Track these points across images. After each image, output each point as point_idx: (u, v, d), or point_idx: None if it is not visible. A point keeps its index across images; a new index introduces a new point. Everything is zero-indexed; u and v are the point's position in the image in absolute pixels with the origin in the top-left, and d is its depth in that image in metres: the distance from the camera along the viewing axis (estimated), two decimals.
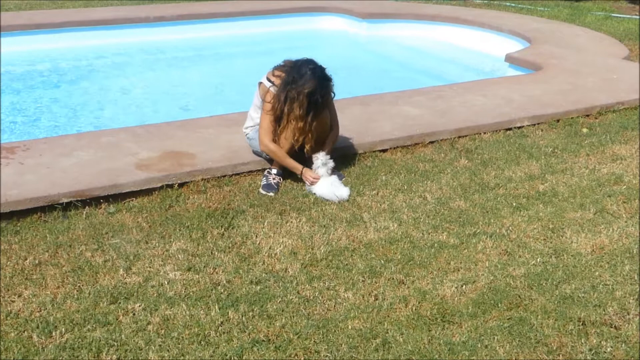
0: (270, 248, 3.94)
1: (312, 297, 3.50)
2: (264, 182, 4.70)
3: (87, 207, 4.31)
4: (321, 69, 4.54)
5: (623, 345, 3.20)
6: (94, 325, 3.22)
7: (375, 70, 9.60)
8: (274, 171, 4.76)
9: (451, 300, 3.50)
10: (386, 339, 3.18)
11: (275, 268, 3.75)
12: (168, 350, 3.08)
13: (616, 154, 5.51)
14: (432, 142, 5.58)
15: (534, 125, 6.08)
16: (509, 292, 3.58)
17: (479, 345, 3.16)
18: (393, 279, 3.67)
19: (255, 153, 4.92)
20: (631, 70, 7.79)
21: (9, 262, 3.71)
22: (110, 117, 7.13)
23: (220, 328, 3.23)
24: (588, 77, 7.41)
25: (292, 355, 3.07)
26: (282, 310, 3.38)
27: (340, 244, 4.01)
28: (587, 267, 3.84)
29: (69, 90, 8.06)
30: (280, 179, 4.75)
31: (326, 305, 3.44)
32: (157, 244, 3.95)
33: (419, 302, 3.46)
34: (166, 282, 3.58)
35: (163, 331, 3.20)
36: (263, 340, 3.15)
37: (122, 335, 3.16)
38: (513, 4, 12.21)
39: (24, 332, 3.17)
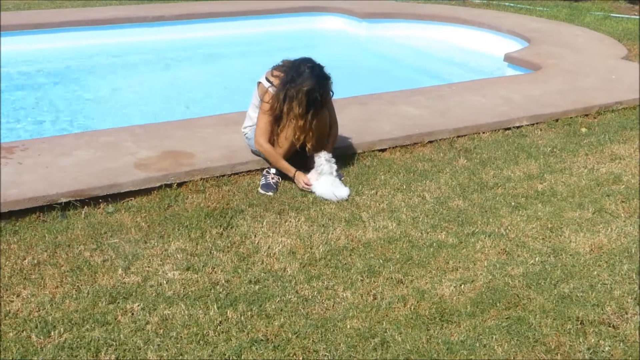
0: (269, 247, 3.94)
1: (310, 297, 3.50)
2: (262, 181, 4.71)
3: (85, 206, 4.31)
4: (320, 67, 4.55)
5: (621, 344, 3.20)
6: (93, 325, 3.22)
7: (375, 70, 9.60)
8: (273, 171, 4.76)
9: (450, 299, 3.51)
10: (385, 339, 3.19)
11: (274, 267, 3.75)
12: (167, 349, 3.08)
13: (615, 153, 5.51)
14: (431, 142, 5.58)
15: (533, 125, 6.08)
16: (508, 291, 3.58)
17: (478, 345, 3.17)
18: (392, 278, 3.68)
19: (254, 152, 4.92)
20: (630, 70, 7.79)
21: (7, 262, 3.71)
22: (109, 117, 7.13)
23: (218, 327, 3.23)
24: (587, 77, 7.42)
25: (291, 355, 3.08)
26: (281, 310, 3.38)
27: (339, 244, 4.01)
28: (585, 266, 3.85)
29: (68, 90, 8.05)
30: (279, 179, 4.75)
31: (325, 305, 3.44)
32: (155, 244, 3.95)
33: (417, 302, 3.47)
34: (165, 282, 3.58)
35: (162, 331, 3.20)
36: (262, 340, 3.15)
37: (121, 335, 3.16)
38: (512, 4, 12.21)
39: (22, 332, 3.17)
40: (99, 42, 9.63)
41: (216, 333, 3.20)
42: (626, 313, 3.43)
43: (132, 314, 3.32)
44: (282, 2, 11.33)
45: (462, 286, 3.62)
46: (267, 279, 3.64)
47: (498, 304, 3.47)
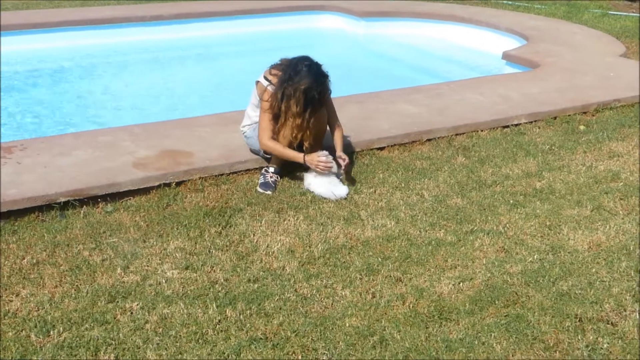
0: (267, 246, 3.94)
1: (309, 295, 3.50)
2: (261, 180, 4.71)
3: (84, 206, 4.31)
4: (317, 66, 4.55)
5: (619, 341, 3.21)
6: (92, 324, 3.23)
7: (373, 69, 9.60)
8: (272, 169, 4.76)
9: (448, 297, 3.51)
10: (383, 337, 3.19)
11: (272, 266, 3.76)
12: (166, 348, 3.08)
13: (613, 151, 5.52)
14: (429, 140, 5.58)
15: (531, 122, 6.09)
16: (506, 289, 3.59)
17: (476, 342, 3.17)
18: (390, 276, 3.68)
19: (253, 151, 4.92)
20: (628, 67, 7.80)
21: (6, 262, 3.71)
22: (107, 116, 7.13)
23: (217, 326, 3.24)
24: (585, 74, 7.42)
25: (290, 353, 3.08)
26: (280, 308, 3.38)
27: (338, 242, 4.02)
28: (584, 264, 3.85)
29: (66, 90, 8.05)
30: (277, 177, 4.76)
31: (324, 303, 3.44)
32: (154, 243, 3.95)
33: (416, 300, 3.47)
34: (164, 281, 3.58)
35: (161, 330, 3.21)
36: (261, 338, 3.16)
37: (120, 334, 3.16)
38: (510, 2, 12.22)
39: (22, 331, 3.17)
40: (97, 42, 9.61)
41: (215, 332, 3.20)
42: (624, 310, 3.44)
43: (131, 313, 3.33)
44: (281, 1, 11.32)
45: (461, 284, 3.63)
46: (266, 278, 3.64)
47: (497, 302, 3.47)
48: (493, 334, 3.23)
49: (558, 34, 9.49)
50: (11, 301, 3.39)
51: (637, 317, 3.38)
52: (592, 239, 4.12)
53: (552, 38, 9.19)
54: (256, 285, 3.57)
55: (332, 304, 3.44)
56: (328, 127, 4.88)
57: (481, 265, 3.82)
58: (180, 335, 3.17)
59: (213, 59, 10.03)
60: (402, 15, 10.91)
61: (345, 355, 3.08)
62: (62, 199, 4.26)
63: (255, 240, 4.01)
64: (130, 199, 4.44)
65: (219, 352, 3.07)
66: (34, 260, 3.73)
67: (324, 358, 3.06)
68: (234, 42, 10.44)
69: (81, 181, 4.41)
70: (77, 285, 3.53)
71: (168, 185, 4.57)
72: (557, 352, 3.14)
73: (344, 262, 3.82)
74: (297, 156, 4.68)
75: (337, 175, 4.76)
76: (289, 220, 4.26)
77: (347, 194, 4.58)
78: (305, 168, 4.74)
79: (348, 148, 5.24)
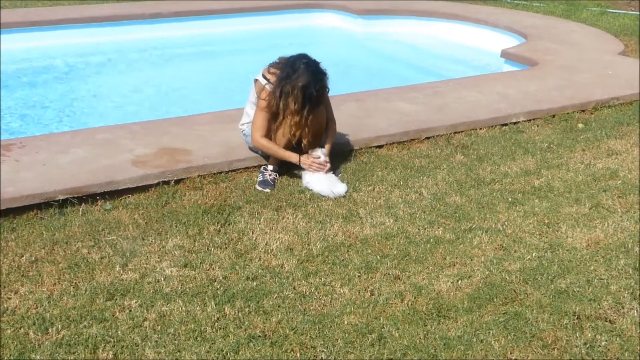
0: (266, 244, 3.94)
1: (308, 293, 3.51)
2: (260, 178, 4.71)
3: (83, 204, 4.31)
4: (315, 63, 4.55)
5: (618, 339, 3.21)
6: (91, 322, 3.23)
7: (371, 67, 9.60)
8: (270, 167, 4.76)
9: (447, 295, 3.52)
10: (382, 334, 3.19)
11: (271, 264, 3.76)
12: (164, 346, 3.09)
13: (611, 149, 5.52)
14: (427, 138, 5.59)
15: (530, 120, 6.09)
16: (505, 286, 3.59)
17: (475, 340, 3.17)
18: (389, 274, 3.68)
19: (252, 149, 4.92)
20: (627, 65, 7.80)
21: (5, 259, 3.71)
22: (106, 114, 7.13)
23: (216, 324, 3.24)
24: (584, 72, 7.43)
25: (288, 351, 3.08)
26: (278, 306, 3.38)
27: (337, 240, 4.02)
28: (582, 261, 3.86)
29: (65, 87, 8.05)
30: (276, 175, 4.76)
31: (322, 301, 3.45)
32: (153, 241, 3.95)
33: (414, 297, 3.48)
34: (162, 279, 3.59)
35: (159, 327, 3.21)
36: (259, 336, 3.16)
37: (119, 332, 3.17)
38: (509, 0, 12.21)
39: (20, 329, 3.17)
40: (96, 40, 9.60)
41: (214, 329, 3.20)
42: (623, 308, 3.44)
43: (130, 310, 3.33)
44: None
45: (459, 282, 3.63)
46: (265, 276, 3.64)
47: (495, 300, 3.48)
48: (491, 332, 3.23)
49: (557, 32, 9.48)
50: (10, 299, 3.39)
51: (635, 314, 3.39)
52: (591, 236, 4.13)
53: (550, 36, 9.19)
54: (255, 283, 3.58)
55: (330, 301, 3.45)
56: None
57: (480, 263, 3.82)
58: (178, 333, 3.17)
59: (212, 57, 10.02)
60: (400, 13, 10.91)
61: (343, 352, 3.08)
62: (61, 197, 4.26)
63: (254, 238, 4.01)
64: (129, 197, 4.44)
65: (218, 350, 3.07)
66: (33, 258, 3.73)
67: (323, 356, 3.06)
68: (232, 40, 10.44)
69: (80, 179, 4.41)
70: (75, 283, 3.53)
71: (167, 183, 4.57)
72: (556, 349, 3.15)
73: (343, 260, 3.82)
74: (292, 156, 4.69)
75: (336, 173, 4.77)
76: (288, 218, 4.26)
77: (345, 192, 4.58)
78: (303, 167, 4.74)
79: (346, 146, 5.25)
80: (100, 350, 3.05)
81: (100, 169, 4.57)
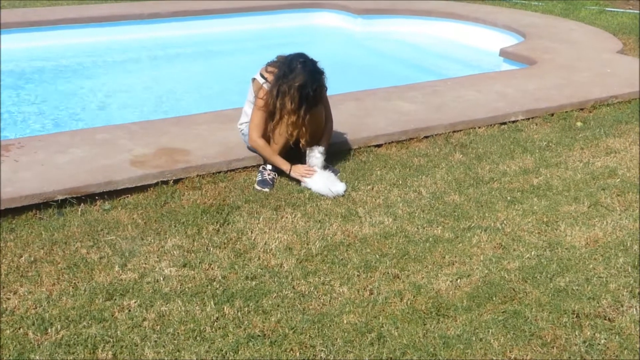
0: (265, 243, 3.94)
1: (307, 292, 3.51)
2: (259, 177, 4.71)
3: (82, 204, 4.31)
4: (312, 62, 4.55)
5: (617, 337, 3.21)
6: (90, 322, 3.23)
7: (370, 66, 9.59)
8: (269, 167, 4.76)
9: (446, 294, 3.52)
10: (381, 333, 3.19)
11: (270, 263, 3.76)
12: (164, 346, 3.09)
13: (610, 147, 5.52)
14: (426, 137, 5.59)
15: (529, 119, 6.09)
16: (504, 285, 3.59)
17: (474, 339, 3.18)
18: (388, 273, 3.68)
19: (250, 149, 4.92)
20: (625, 64, 7.81)
21: (4, 260, 3.71)
22: (104, 114, 7.13)
23: (215, 323, 3.24)
24: (582, 71, 7.43)
25: (288, 350, 3.08)
26: (278, 306, 3.38)
27: (336, 239, 4.02)
28: (581, 260, 3.86)
29: (64, 87, 8.04)
30: (275, 175, 4.75)
31: (321, 300, 3.45)
32: (152, 241, 3.95)
33: (414, 296, 3.48)
34: (162, 279, 3.59)
35: (159, 327, 3.21)
36: (258, 336, 3.16)
37: (118, 332, 3.17)
38: None
39: (19, 329, 3.17)
40: (95, 40, 9.61)
41: (213, 329, 3.20)
42: (622, 306, 3.44)
43: (129, 310, 3.33)
44: None
45: (459, 280, 3.63)
46: (264, 275, 3.64)
47: (494, 298, 3.48)
48: (490, 331, 3.23)
49: (555, 31, 9.49)
50: (9, 299, 3.39)
51: (634, 312, 3.39)
52: (590, 235, 4.13)
53: (549, 35, 9.19)
54: (254, 283, 3.58)
55: (329, 301, 3.45)
56: None
57: (479, 262, 3.82)
58: (178, 333, 3.17)
59: (210, 57, 10.02)
60: (398, 12, 10.92)
61: (343, 352, 3.08)
62: (60, 197, 4.26)
63: (253, 238, 4.01)
64: (127, 197, 4.44)
65: (217, 350, 3.07)
66: (32, 258, 3.73)
67: (322, 355, 3.06)
68: (231, 39, 10.44)
69: (79, 179, 4.41)
70: (74, 283, 3.53)
71: (166, 183, 4.57)
72: (555, 348, 3.15)
73: (342, 259, 3.82)
74: (283, 165, 4.68)
75: (335, 173, 4.77)
76: (287, 217, 4.26)
77: (344, 191, 4.58)
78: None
79: (345, 145, 5.25)
80: (100, 350, 3.05)
81: (99, 169, 4.57)
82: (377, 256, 3.85)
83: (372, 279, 3.64)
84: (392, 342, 3.14)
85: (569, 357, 3.09)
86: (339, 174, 4.82)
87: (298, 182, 4.69)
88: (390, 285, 3.58)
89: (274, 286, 3.55)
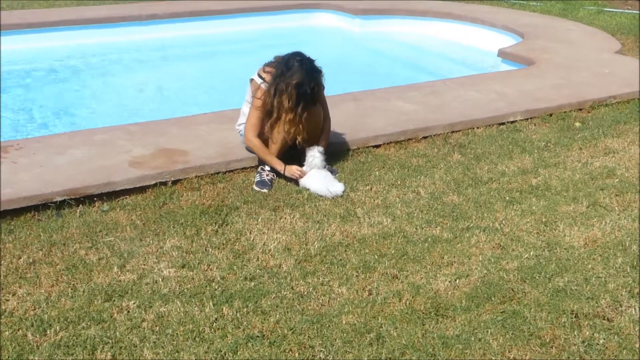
0: (264, 244, 3.94)
1: (306, 293, 3.51)
2: (257, 178, 4.71)
3: (80, 205, 4.31)
4: (310, 61, 4.55)
5: (616, 337, 3.22)
6: (89, 323, 3.23)
7: (369, 66, 9.60)
8: (268, 168, 4.76)
9: (445, 294, 3.52)
10: (380, 334, 3.19)
11: (269, 264, 3.76)
12: (162, 347, 3.08)
13: (609, 147, 5.53)
14: (425, 138, 5.59)
15: (527, 119, 6.09)
16: (503, 285, 3.59)
17: (473, 339, 3.18)
18: (387, 273, 3.68)
19: (248, 149, 4.91)
20: (623, 64, 7.81)
21: (3, 261, 3.71)
22: (103, 115, 7.12)
23: (214, 324, 3.24)
24: (581, 71, 7.43)
25: (287, 351, 3.08)
26: (277, 306, 3.38)
27: (334, 240, 4.02)
28: (580, 260, 3.86)
29: (62, 89, 8.04)
30: (274, 176, 4.76)
31: (320, 301, 3.45)
32: (151, 242, 3.95)
33: (412, 297, 3.48)
34: (160, 279, 3.58)
35: (157, 328, 3.21)
36: (257, 336, 3.16)
37: (117, 333, 3.16)
38: None
39: (18, 330, 3.17)
40: (93, 41, 9.60)
41: (212, 330, 3.20)
42: (620, 306, 3.45)
43: (128, 311, 3.33)
44: None
45: (457, 281, 3.63)
46: (263, 276, 3.64)
47: (493, 298, 3.48)
48: (489, 331, 3.23)
49: (553, 31, 9.49)
50: (8, 300, 3.39)
51: (633, 312, 3.39)
52: (588, 235, 4.13)
53: (547, 35, 9.20)
54: (253, 283, 3.57)
55: (328, 301, 3.45)
56: None
57: (477, 262, 3.82)
58: (176, 334, 3.17)
59: (209, 58, 10.02)
60: (397, 12, 10.92)
61: (341, 352, 3.08)
62: (58, 198, 4.26)
63: (251, 239, 4.01)
64: (126, 198, 4.44)
65: (216, 350, 3.07)
66: (31, 260, 3.73)
67: (321, 355, 3.06)
68: (229, 40, 10.44)
69: (77, 180, 4.41)
70: (73, 284, 3.53)
71: (164, 183, 4.57)
72: (554, 348, 3.15)
73: (341, 259, 3.82)
74: (277, 165, 4.69)
75: (333, 173, 4.77)
76: (285, 218, 4.26)
77: (343, 192, 4.58)
78: (301, 165, 4.74)
79: (344, 145, 5.25)
80: (99, 351, 3.05)
81: (98, 170, 4.57)
82: (376, 256, 3.85)
83: (371, 279, 3.64)
84: (391, 342, 3.14)
85: (568, 357, 3.09)
86: (337, 174, 4.82)
87: (296, 182, 4.70)
88: (389, 286, 3.58)
89: (273, 287, 3.55)
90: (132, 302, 3.39)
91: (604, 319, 3.35)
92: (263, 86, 4.60)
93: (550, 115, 6.21)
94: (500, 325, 3.27)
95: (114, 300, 3.41)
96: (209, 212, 4.27)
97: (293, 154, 4.83)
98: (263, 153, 4.71)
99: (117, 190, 4.43)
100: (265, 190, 4.61)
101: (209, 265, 3.72)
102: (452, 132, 5.72)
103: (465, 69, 8.87)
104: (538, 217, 4.34)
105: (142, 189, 4.50)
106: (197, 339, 3.14)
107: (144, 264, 3.73)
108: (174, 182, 4.60)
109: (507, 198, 4.60)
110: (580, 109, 6.40)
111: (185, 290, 3.50)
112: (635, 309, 3.42)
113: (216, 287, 3.53)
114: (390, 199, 4.54)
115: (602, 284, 3.63)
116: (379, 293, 3.51)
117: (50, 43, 9.38)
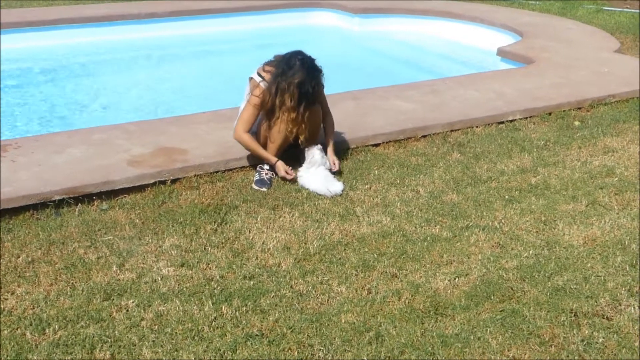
0: (263, 243, 3.94)
1: (305, 292, 3.50)
2: (256, 177, 4.71)
3: (79, 204, 4.30)
4: (310, 60, 4.55)
5: (615, 335, 3.22)
6: (88, 322, 3.22)
7: (368, 65, 9.59)
8: (267, 166, 4.76)
9: (444, 293, 3.52)
10: (379, 332, 3.19)
11: (268, 263, 3.76)
12: (162, 346, 3.08)
13: (608, 146, 5.53)
14: (424, 136, 5.59)
15: (526, 118, 6.09)
16: (502, 284, 3.59)
17: (472, 338, 3.18)
18: (386, 272, 3.68)
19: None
20: (622, 63, 7.81)
21: (1, 260, 3.71)
22: (102, 114, 7.12)
23: (213, 323, 3.24)
24: (580, 70, 7.43)
25: (286, 350, 3.08)
26: (276, 305, 3.38)
27: (333, 239, 4.02)
28: (579, 258, 3.86)
29: (61, 88, 8.03)
30: (273, 174, 4.75)
31: (319, 300, 3.44)
32: (150, 240, 3.95)
33: (412, 296, 3.48)
34: (159, 278, 3.58)
35: (156, 327, 3.21)
36: (257, 335, 3.16)
37: (116, 332, 3.16)
38: None
39: (17, 329, 3.17)
40: (92, 40, 9.59)
41: (211, 329, 3.20)
42: (620, 305, 3.45)
43: (127, 310, 3.32)
44: None
45: (457, 280, 3.63)
46: (262, 275, 3.64)
47: (492, 297, 3.48)
48: (489, 329, 3.23)
49: (553, 30, 9.49)
50: (6, 299, 3.39)
51: (633, 311, 3.39)
52: (587, 234, 4.13)
53: (546, 34, 9.20)
54: (252, 282, 3.57)
55: (327, 300, 3.44)
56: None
57: (477, 261, 3.82)
58: (176, 333, 3.17)
59: (208, 56, 10.01)
60: (396, 11, 10.92)
61: (341, 351, 3.08)
62: (57, 197, 4.26)
63: (250, 237, 4.01)
64: (125, 197, 4.43)
65: (215, 349, 3.06)
66: (29, 259, 3.73)
67: (320, 354, 3.06)
68: (228, 39, 10.43)
69: (76, 179, 4.41)
70: (72, 283, 3.53)
71: (163, 182, 4.56)
72: (553, 346, 3.15)
73: (340, 258, 3.82)
74: (269, 158, 4.68)
75: (332, 172, 4.76)
76: (285, 217, 4.25)
77: (342, 191, 4.58)
78: (300, 164, 4.74)
79: (343, 144, 5.25)
80: (98, 350, 3.04)
81: (97, 169, 4.57)
82: (375, 255, 3.85)
83: (370, 278, 3.64)
84: (390, 341, 3.14)
85: (567, 356, 3.09)
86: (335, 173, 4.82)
87: (295, 181, 4.69)
88: (388, 285, 3.58)
89: (272, 286, 3.54)
90: (131, 301, 3.38)
91: (603, 318, 3.35)
92: (262, 85, 4.60)
93: (550, 114, 6.21)
94: (500, 324, 3.27)
95: (113, 299, 3.41)
96: (208, 211, 4.26)
97: (293, 154, 4.83)
98: (254, 147, 4.70)
99: (116, 189, 4.43)
100: (264, 189, 4.60)
101: (208, 264, 3.72)
102: (452, 131, 5.72)
103: (465, 68, 8.86)
104: (537, 216, 4.34)
105: (141, 188, 4.50)
106: (196, 337, 3.14)
107: (143, 263, 3.73)
108: (173, 181, 4.60)
109: (507, 197, 4.60)
110: (580, 108, 6.40)
111: (185, 289, 3.50)
112: (634, 307, 3.42)
113: (215, 286, 3.53)
114: (390, 198, 4.54)
115: (601, 282, 3.63)
116: (378, 292, 3.51)
117: (49, 42, 9.36)
